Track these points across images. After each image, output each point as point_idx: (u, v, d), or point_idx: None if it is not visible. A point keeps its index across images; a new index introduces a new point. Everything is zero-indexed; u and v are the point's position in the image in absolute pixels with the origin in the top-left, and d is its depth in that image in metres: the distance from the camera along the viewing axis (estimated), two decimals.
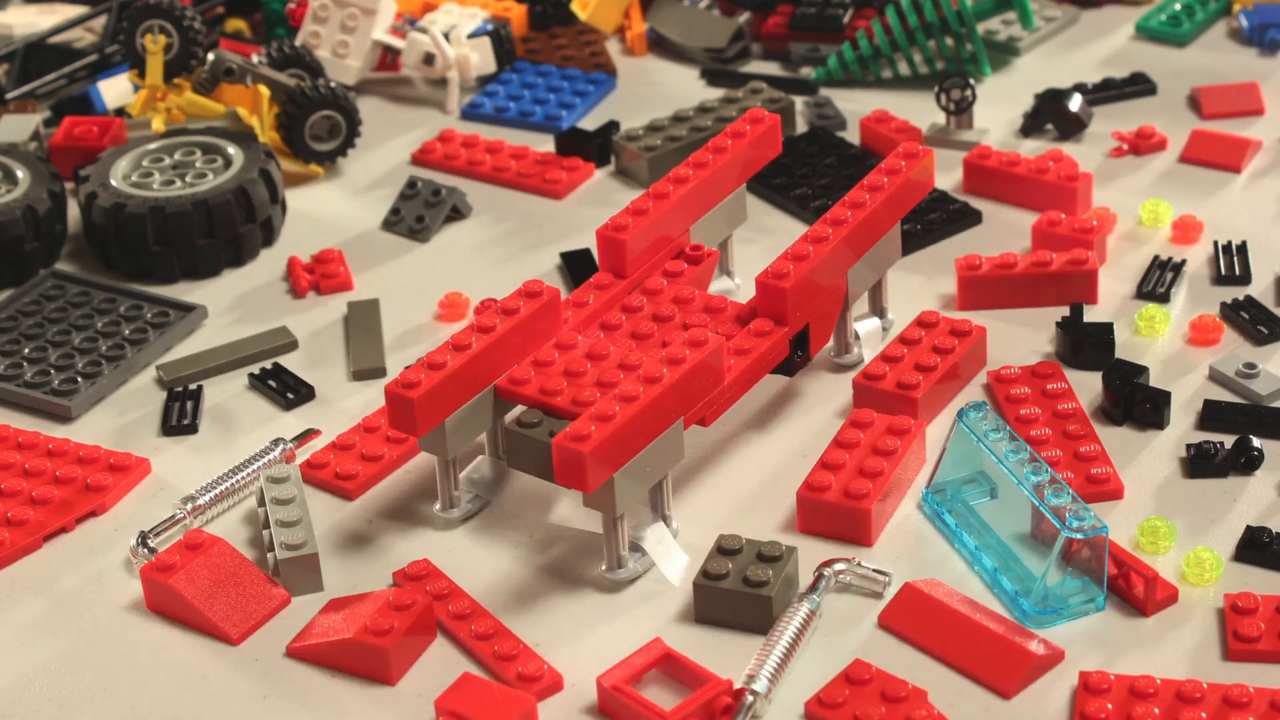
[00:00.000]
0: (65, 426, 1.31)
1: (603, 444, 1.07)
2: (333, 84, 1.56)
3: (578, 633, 1.11)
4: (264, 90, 1.55)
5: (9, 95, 1.68)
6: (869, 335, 1.31)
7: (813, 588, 1.10)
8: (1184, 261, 1.38)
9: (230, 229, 1.45)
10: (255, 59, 1.59)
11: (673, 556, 1.14)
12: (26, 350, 1.36)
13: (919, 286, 1.39)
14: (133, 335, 1.37)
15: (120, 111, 1.65)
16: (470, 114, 1.66)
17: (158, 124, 1.55)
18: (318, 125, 1.56)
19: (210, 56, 1.56)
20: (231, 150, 1.50)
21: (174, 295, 1.43)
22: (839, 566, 1.12)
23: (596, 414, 1.08)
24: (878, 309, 1.33)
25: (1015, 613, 1.10)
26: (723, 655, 1.08)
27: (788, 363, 1.23)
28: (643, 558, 1.14)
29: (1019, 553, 1.12)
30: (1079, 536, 1.07)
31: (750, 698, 1.03)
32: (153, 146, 1.51)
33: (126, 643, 1.12)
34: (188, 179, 1.48)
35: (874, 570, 1.12)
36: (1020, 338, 1.33)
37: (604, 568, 1.14)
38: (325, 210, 1.54)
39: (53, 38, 1.75)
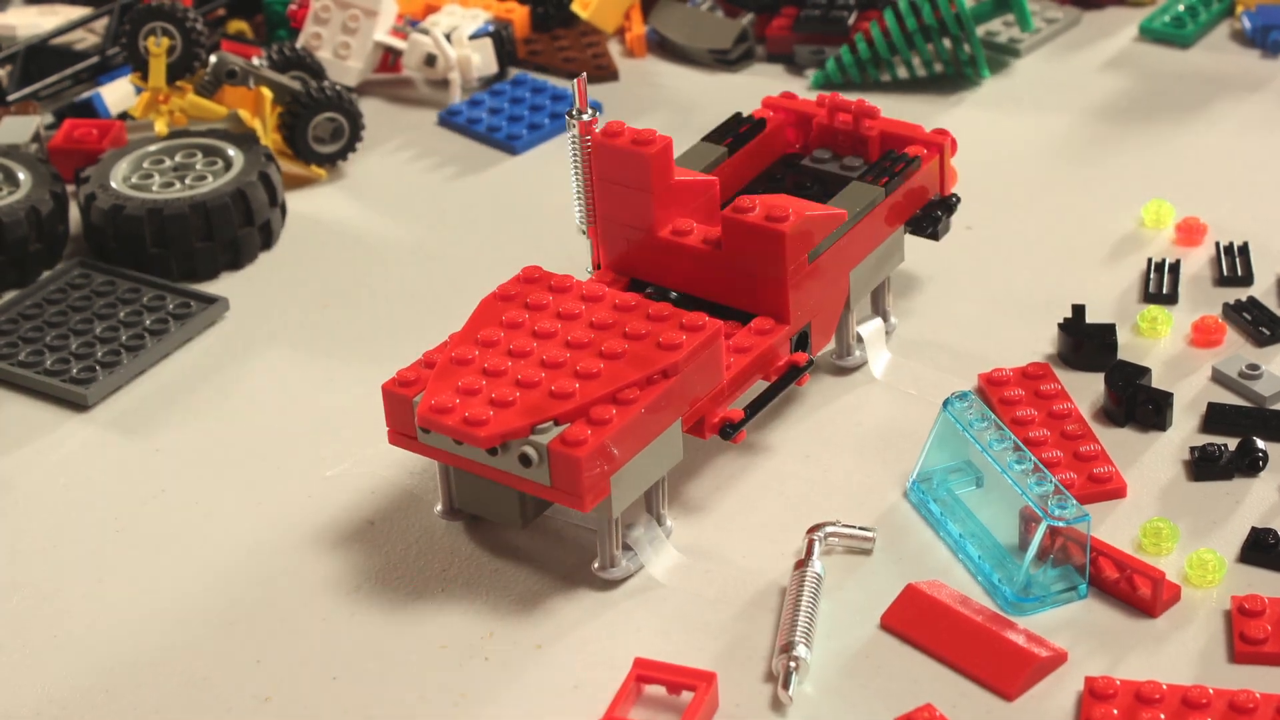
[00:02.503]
0: (86, 412, 1.32)
1: (599, 448, 1.07)
2: (337, 86, 1.56)
3: (574, 632, 1.11)
4: (266, 93, 1.55)
5: (10, 97, 1.68)
6: (872, 337, 1.31)
7: (809, 554, 1.12)
8: (1178, 262, 1.37)
9: (228, 231, 1.45)
10: (256, 61, 1.59)
11: (661, 555, 1.15)
12: (49, 337, 1.37)
13: (921, 291, 1.39)
14: (154, 325, 1.37)
15: (124, 115, 1.65)
16: (447, 121, 1.66)
17: (160, 126, 1.54)
18: (320, 127, 1.56)
19: (212, 59, 1.56)
20: (232, 153, 1.50)
21: (199, 287, 1.44)
22: (827, 529, 1.14)
23: (593, 418, 1.08)
24: (881, 311, 1.33)
25: (998, 600, 1.10)
26: (713, 653, 1.08)
27: (795, 375, 1.22)
28: (635, 556, 1.14)
29: (1003, 541, 1.13)
30: (1061, 524, 1.07)
31: (794, 664, 1.06)
32: (153, 148, 1.51)
33: (128, 645, 1.12)
34: (187, 181, 1.48)
35: (859, 529, 1.15)
36: (1017, 339, 1.33)
37: (596, 566, 1.14)
38: (325, 213, 1.54)
39: (54, 39, 1.75)
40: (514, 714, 1.06)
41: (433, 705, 1.07)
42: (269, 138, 1.55)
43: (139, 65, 1.57)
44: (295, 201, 1.55)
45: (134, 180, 1.48)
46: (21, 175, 1.48)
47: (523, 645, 1.10)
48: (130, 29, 1.56)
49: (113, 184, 1.47)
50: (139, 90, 1.62)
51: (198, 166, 1.49)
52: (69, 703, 1.09)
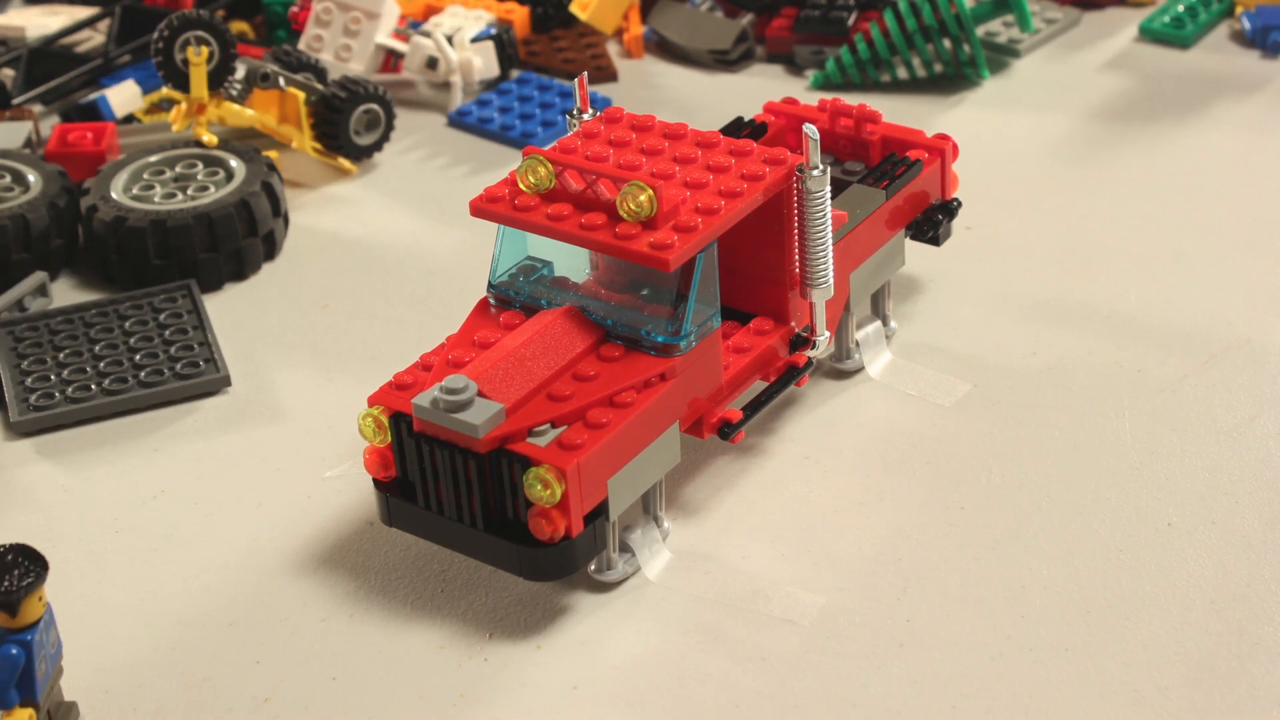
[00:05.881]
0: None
1: (594, 455, 1.07)
2: (365, 79, 1.57)
3: (574, 632, 1.11)
4: (298, 94, 1.55)
5: (15, 100, 1.68)
6: (871, 341, 1.31)
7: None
8: None
9: (232, 242, 1.45)
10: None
11: (656, 555, 1.15)
12: (63, 355, 1.35)
13: (923, 295, 1.39)
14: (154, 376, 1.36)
15: (129, 118, 1.65)
16: (456, 122, 1.66)
17: (207, 136, 1.53)
18: (358, 120, 1.57)
19: (240, 65, 1.56)
20: (233, 163, 1.50)
21: (204, 297, 1.44)
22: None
23: (589, 421, 1.08)
24: (880, 315, 1.33)
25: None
26: (714, 654, 1.09)
27: (794, 375, 1.22)
28: (632, 558, 1.15)
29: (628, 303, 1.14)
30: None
31: (813, 363, 1.19)
32: (154, 159, 1.51)
33: (128, 645, 1.13)
34: (189, 192, 1.48)
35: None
36: (1016, 339, 1.33)
37: (593, 569, 1.14)
38: (328, 223, 1.54)
39: (59, 40, 1.75)
40: (513, 714, 1.06)
41: (432, 706, 1.07)
42: (307, 138, 1.55)
43: (173, 76, 1.55)
44: (298, 212, 1.55)
45: (135, 191, 1.48)
46: (31, 176, 1.48)
47: (522, 645, 1.11)
48: (165, 41, 1.54)
49: (113, 195, 1.47)
50: (167, 104, 1.62)
51: (199, 177, 1.50)
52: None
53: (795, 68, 1.72)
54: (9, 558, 0.98)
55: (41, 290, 1.43)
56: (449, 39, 1.68)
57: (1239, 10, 1.73)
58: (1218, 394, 1.26)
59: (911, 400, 1.28)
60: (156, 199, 1.47)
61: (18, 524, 1.23)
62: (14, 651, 0.98)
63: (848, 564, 1.15)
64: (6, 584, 0.97)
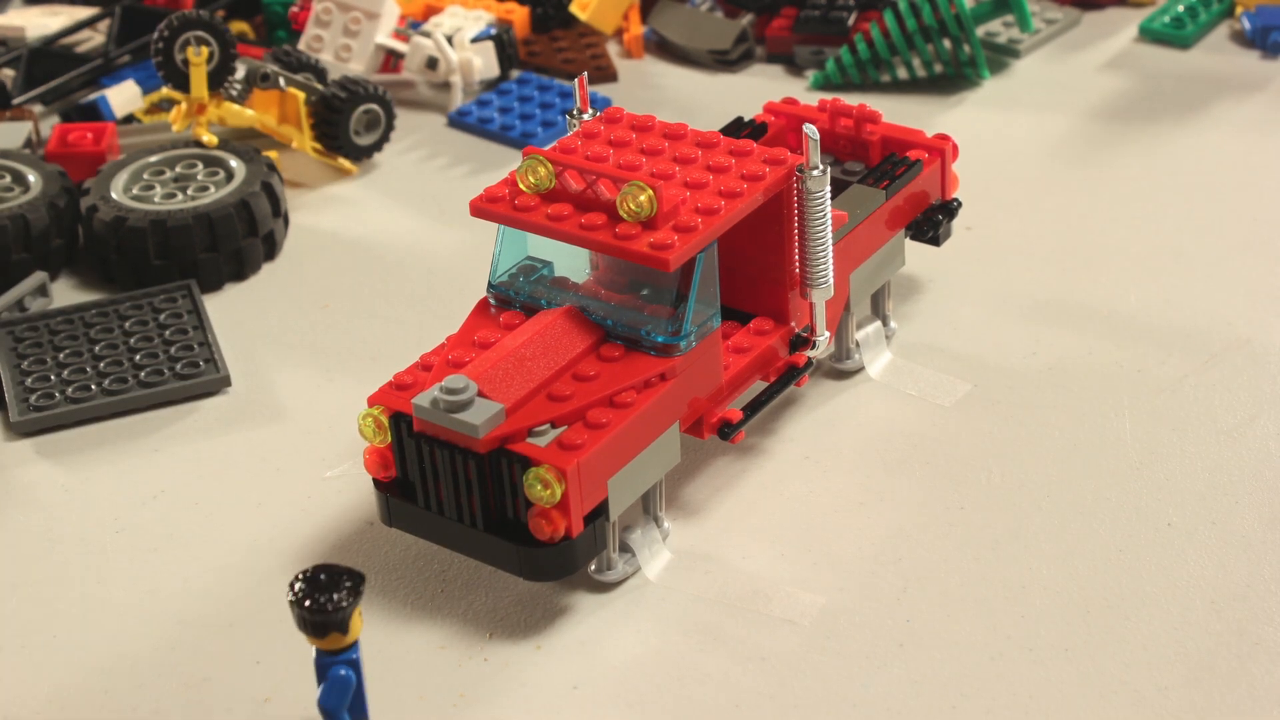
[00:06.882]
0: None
1: (594, 456, 1.07)
2: (365, 79, 1.57)
3: (573, 632, 1.11)
4: (298, 94, 1.55)
5: (15, 100, 1.68)
6: (872, 341, 1.31)
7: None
8: None
9: (232, 242, 1.45)
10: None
11: (656, 555, 1.15)
12: (63, 355, 1.35)
13: (923, 296, 1.39)
14: (154, 376, 1.37)
15: (129, 118, 1.65)
16: (456, 122, 1.66)
17: (207, 136, 1.53)
18: (358, 120, 1.57)
19: (239, 65, 1.56)
20: (234, 163, 1.50)
21: (204, 297, 1.44)
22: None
23: (589, 421, 1.08)
24: (880, 315, 1.33)
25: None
26: (715, 654, 1.09)
27: (794, 375, 1.22)
28: (632, 559, 1.15)
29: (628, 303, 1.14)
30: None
31: (813, 363, 1.19)
32: (154, 159, 1.51)
33: (128, 645, 1.13)
34: (189, 192, 1.48)
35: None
36: (1016, 339, 1.33)
37: (593, 569, 1.14)
38: (328, 224, 1.54)
39: (59, 41, 1.75)
40: (513, 714, 1.06)
41: (432, 706, 1.07)
42: (306, 138, 1.55)
43: (173, 76, 1.55)
44: (298, 212, 1.55)
45: (135, 191, 1.48)
46: (31, 176, 1.48)
47: (522, 645, 1.11)
48: (165, 41, 1.54)
49: (114, 195, 1.46)
50: (168, 104, 1.62)
51: (199, 177, 1.50)
52: (69, 703, 1.09)
53: (795, 68, 1.72)
54: (322, 577, 0.97)
55: (41, 290, 1.43)
56: (449, 39, 1.68)
57: (1239, 10, 1.73)
58: (1218, 394, 1.26)
59: (911, 400, 1.28)
60: (156, 199, 1.47)
61: (18, 524, 1.23)
62: (343, 673, 0.98)
63: (848, 564, 1.15)
64: (339, 600, 0.96)
